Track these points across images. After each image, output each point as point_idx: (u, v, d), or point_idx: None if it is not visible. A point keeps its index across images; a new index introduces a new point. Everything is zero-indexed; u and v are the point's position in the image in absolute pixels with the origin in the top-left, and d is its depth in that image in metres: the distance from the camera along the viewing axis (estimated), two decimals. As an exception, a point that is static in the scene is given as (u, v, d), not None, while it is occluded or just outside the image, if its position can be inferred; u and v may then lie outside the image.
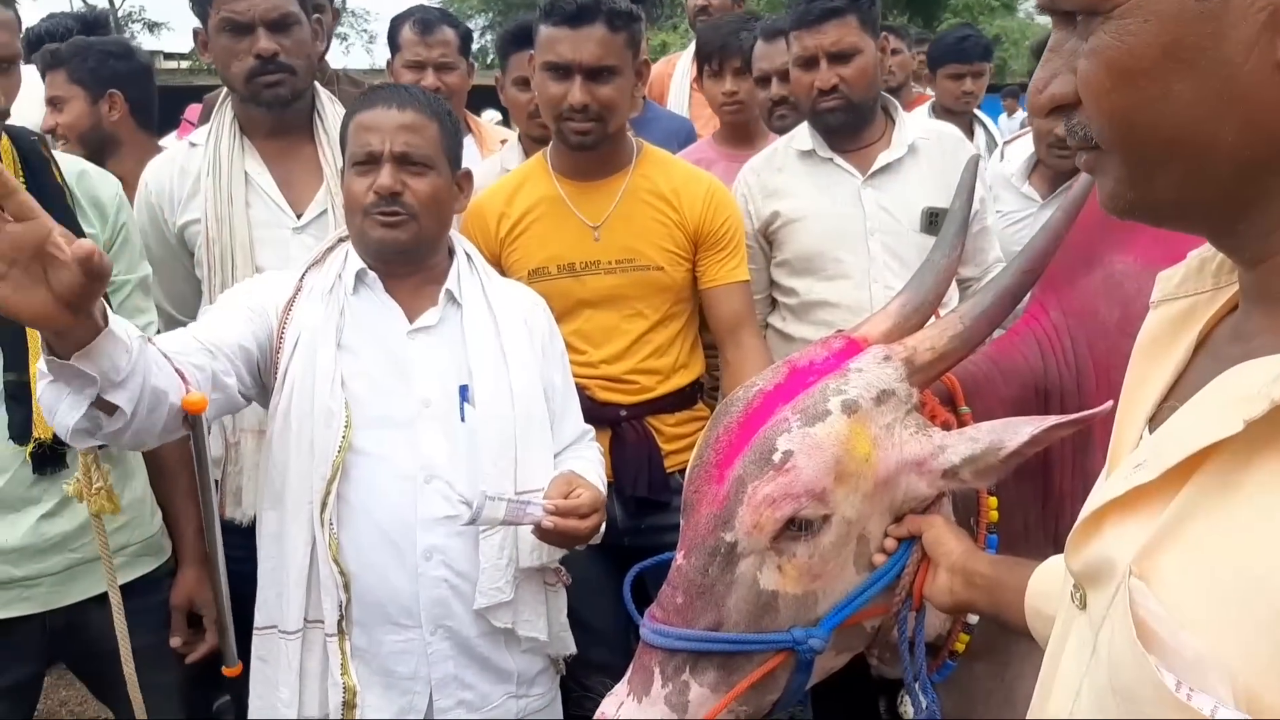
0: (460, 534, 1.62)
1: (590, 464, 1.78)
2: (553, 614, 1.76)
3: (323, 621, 1.60)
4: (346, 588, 1.59)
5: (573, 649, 1.82)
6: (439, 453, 1.63)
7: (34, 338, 1.67)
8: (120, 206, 1.88)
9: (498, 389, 1.67)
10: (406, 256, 1.69)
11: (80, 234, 1.78)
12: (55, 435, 1.65)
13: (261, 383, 1.66)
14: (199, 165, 2.05)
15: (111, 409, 1.27)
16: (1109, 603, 0.61)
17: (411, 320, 1.69)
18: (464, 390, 1.66)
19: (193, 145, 2.11)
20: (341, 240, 1.76)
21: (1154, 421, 0.69)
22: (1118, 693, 0.59)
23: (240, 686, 1.73)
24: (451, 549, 1.62)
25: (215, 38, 1.99)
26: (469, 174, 1.81)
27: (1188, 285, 0.72)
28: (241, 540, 1.81)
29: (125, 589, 1.77)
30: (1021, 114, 6.81)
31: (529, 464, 1.67)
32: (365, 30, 21.04)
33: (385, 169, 1.62)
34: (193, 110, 4.00)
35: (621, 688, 1.26)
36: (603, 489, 1.71)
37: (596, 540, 1.68)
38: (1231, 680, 0.52)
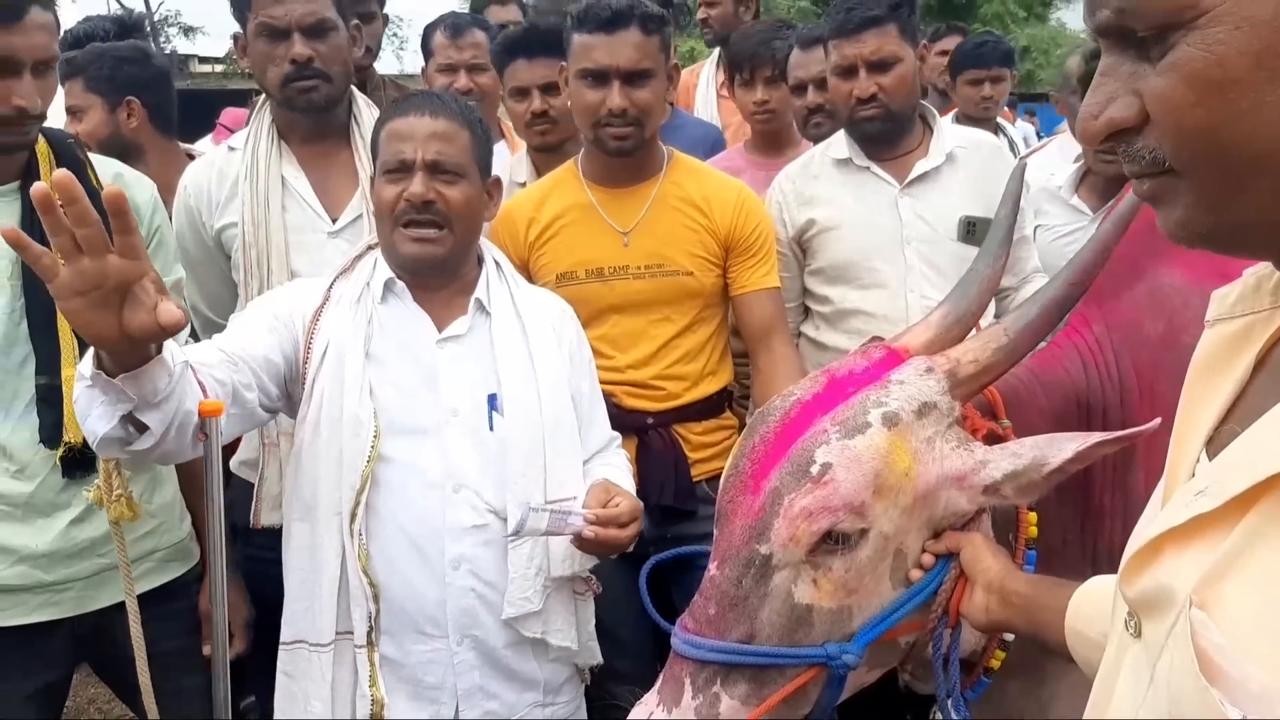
0: (488, 543, 1.61)
1: (621, 471, 1.77)
2: (581, 623, 1.74)
3: (352, 633, 1.59)
4: (376, 598, 1.58)
5: (599, 659, 1.80)
6: (467, 462, 1.63)
7: (67, 342, 1.69)
8: (155, 210, 1.90)
9: (526, 398, 1.66)
10: (439, 269, 1.69)
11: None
12: (85, 440, 1.66)
13: (287, 394, 1.65)
14: (237, 169, 2.06)
15: (142, 427, 1.30)
16: (1168, 632, 0.59)
17: (440, 329, 1.68)
18: (492, 399, 1.66)
19: (231, 149, 2.12)
20: (371, 248, 1.76)
21: (1212, 446, 0.66)
22: None
23: (265, 687, 1.72)
24: (480, 558, 1.61)
25: (253, 42, 2.00)
26: (499, 181, 1.81)
27: (1244, 304, 0.69)
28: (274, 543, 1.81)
29: (154, 594, 1.79)
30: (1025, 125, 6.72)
31: (558, 472, 1.66)
32: (396, 35, 21.16)
33: (417, 177, 1.62)
34: (228, 114, 4.04)
35: (651, 697, 1.24)
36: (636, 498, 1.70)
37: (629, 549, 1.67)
38: None
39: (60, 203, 1.12)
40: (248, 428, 1.69)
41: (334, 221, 2.05)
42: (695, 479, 2.08)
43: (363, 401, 1.59)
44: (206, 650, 1.87)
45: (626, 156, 2.05)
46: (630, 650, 2.03)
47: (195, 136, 2.93)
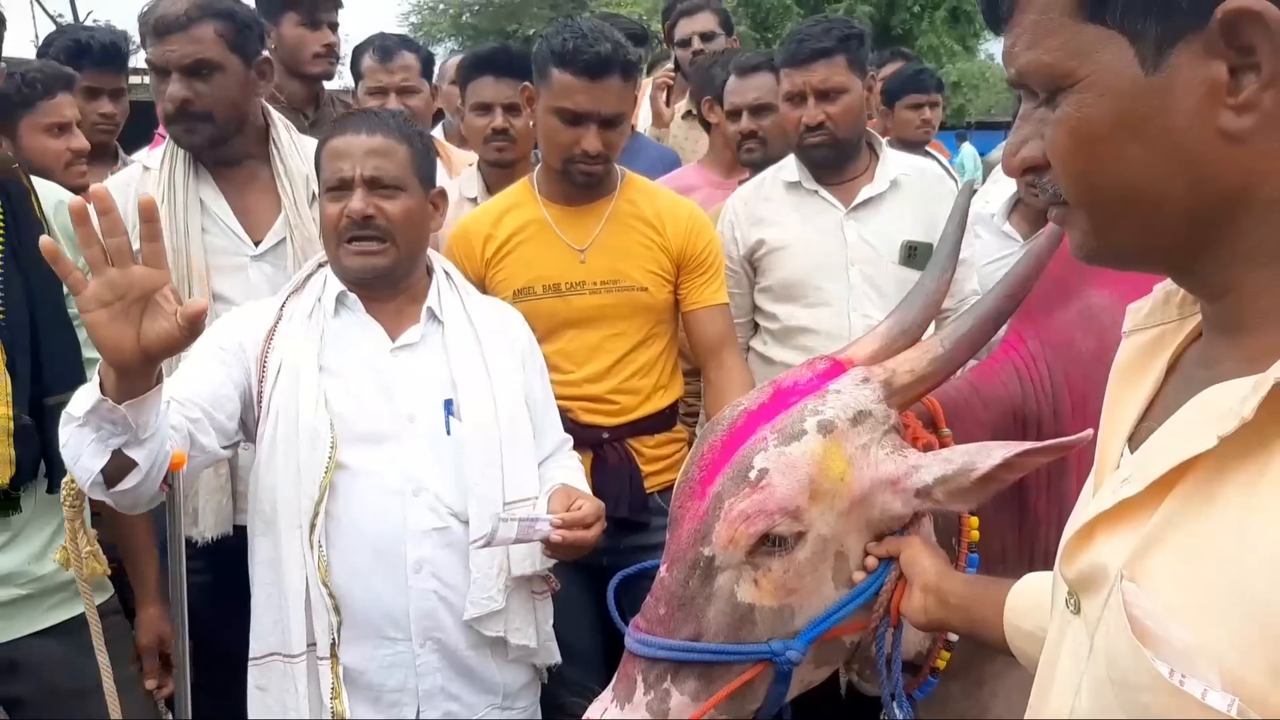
0: (449, 546, 1.63)
1: (577, 474, 1.82)
2: (540, 622, 1.77)
3: (316, 645, 1.60)
4: (337, 609, 1.59)
5: (558, 658, 1.82)
6: (426, 466, 1.65)
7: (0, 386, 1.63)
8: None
9: (482, 402, 1.69)
10: (386, 280, 1.71)
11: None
12: (11, 479, 1.65)
13: (243, 423, 1.66)
14: (151, 191, 2.00)
15: (129, 465, 1.31)
16: (1103, 604, 0.66)
17: (394, 338, 1.71)
18: (448, 404, 1.69)
19: (146, 169, 2.08)
20: (321, 265, 1.78)
21: (1133, 441, 0.73)
22: (1115, 684, 0.63)
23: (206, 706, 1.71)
24: (440, 561, 1.63)
25: (150, 80, 1.98)
26: (443, 192, 1.83)
27: (1155, 316, 0.77)
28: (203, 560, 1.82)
29: (67, 624, 1.74)
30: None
31: (515, 474, 1.70)
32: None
33: (357, 193, 1.65)
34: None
35: (606, 694, 1.28)
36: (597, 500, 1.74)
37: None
38: (1219, 668, 0.57)
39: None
40: (205, 467, 1.70)
41: (256, 245, 2.03)
42: (649, 491, 2.12)
43: (319, 413, 1.61)
44: (149, 684, 1.85)
45: (592, 189, 2.11)
46: (583, 659, 2.04)
47: (133, 147, 2.91)
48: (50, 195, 1.81)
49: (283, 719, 1.61)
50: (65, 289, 1.68)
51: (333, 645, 1.59)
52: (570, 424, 2.08)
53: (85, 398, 1.27)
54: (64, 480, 1.50)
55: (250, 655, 1.66)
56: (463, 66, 2.65)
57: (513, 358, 1.78)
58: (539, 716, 1.82)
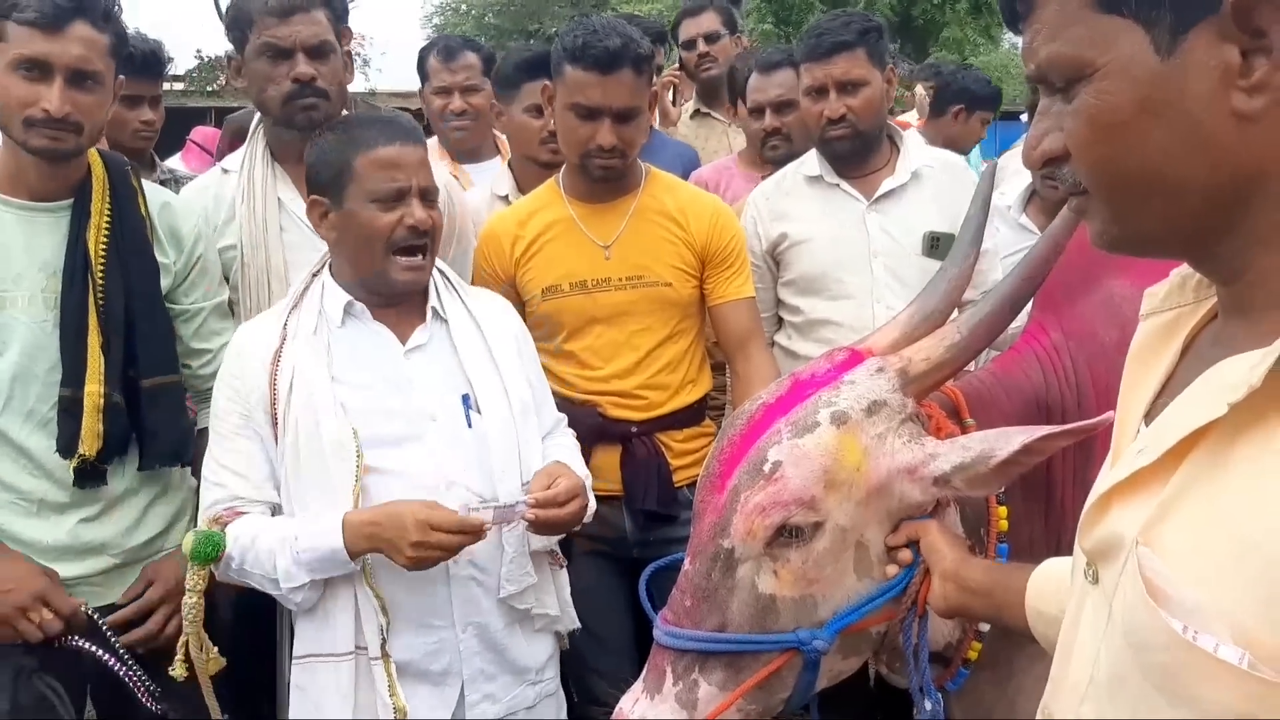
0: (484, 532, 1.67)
1: (571, 451, 1.88)
2: (559, 590, 1.84)
3: (366, 648, 1.65)
4: (385, 610, 1.64)
5: (577, 623, 1.89)
6: (453, 460, 1.70)
7: (94, 359, 1.77)
8: (199, 238, 1.99)
9: (496, 393, 1.75)
10: (420, 289, 1.77)
11: (155, 263, 1.89)
12: (99, 453, 1.77)
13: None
14: (232, 192, 2.11)
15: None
16: (1120, 570, 0.69)
17: (403, 341, 1.75)
18: (466, 399, 1.74)
19: (225, 171, 2.17)
20: (314, 275, 1.80)
21: (1149, 418, 0.76)
22: (1132, 645, 0.67)
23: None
24: (477, 550, 1.68)
25: (253, 62, 2.04)
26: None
27: (1172, 299, 0.79)
28: None
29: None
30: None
31: (529, 458, 1.77)
32: (359, 54, 21.07)
33: (415, 204, 1.69)
34: (198, 132, 4.07)
35: (637, 686, 1.30)
36: (584, 473, 1.80)
37: (585, 524, 1.78)
38: (1230, 626, 0.60)
39: None
40: None
41: None
42: (677, 484, 2.15)
43: (340, 424, 1.65)
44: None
45: (611, 183, 2.13)
46: (615, 650, 2.09)
47: (161, 155, 2.99)
48: (156, 197, 1.95)
49: (318, 719, 1.66)
50: (164, 281, 1.89)
51: (383, 645, 1.64)
52: (599, 418, 2.12)
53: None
54: (188, 603, 1.63)
55: (293, 655, 1.73)
56: (513, 70, 2.64)
57: (512, 345, 1.83)
58: (560, 689, 1.88)
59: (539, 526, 1.68)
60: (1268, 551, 0.58)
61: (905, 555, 1.28)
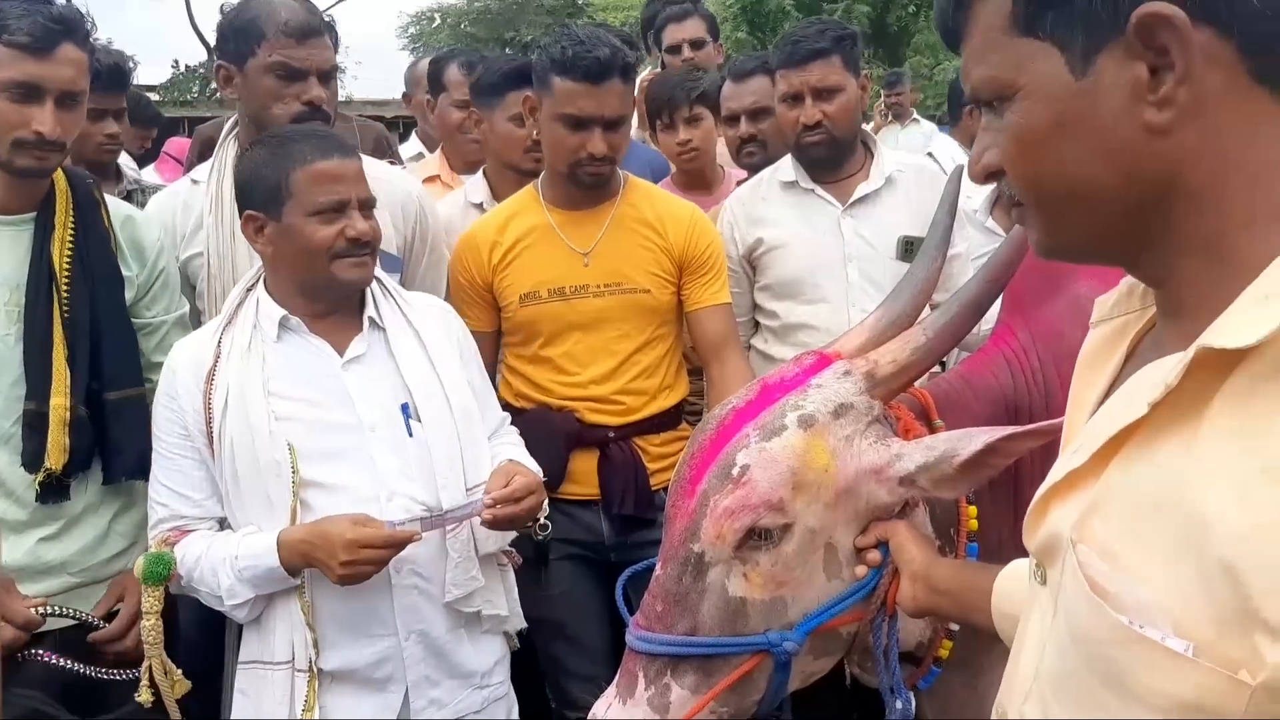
0: (426, 541, 1.69)
1: (519, 448, 1.90)
2: (507, 590, 1.85)
3: (293, 660, 1.67)
4: (311, 626, 1.66)
5: (524, 624, 1.89)
6: (394, 471, 1.70)
7: (60, 373, 1.76)
8: (161, 251, 1.98)
9: (436, 401, 1.75)
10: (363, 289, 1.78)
11: (120, 275, 1.88)
12: (64, 467, 1.75)
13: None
14: (201, 202, 2.10)
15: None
16: (1062, 570, 0.71)
17: (341, 353, 1.74)
18: (405, 408, 1.74)
19: (195, 182, 2.17)
20: (248, 289, 1.79)
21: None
22: (1077, 641, 0.68)
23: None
24: (420, 557, 1.70)
25: (258, 78, 2.02)
26: None
27: (1120, 307, 0.82)
28: None
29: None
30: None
31: (475, 462, 1.77)
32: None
33: (356, 215, 1.70)
34: (173, 144, 4.06)
35: (610, 691, 1.31)
36: (536, 470, 1.82)
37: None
38: (1169, 620, 0.61)
39: None
40: None
41: None
42: (654, 488, 2.16)
43: (276, 442, 1.65)
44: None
45: (597, 190, 2.14)
46: (591, 653, 2.09)
47: (140, 165, 2.98)
48: (118, 210, 1.94)
49: None
50: (127, 294, 1.88)
51: (311, 660, 1.65)
52: (576, 424, 2.12)
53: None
54: (146, 625, 1.66)
55: (239, 660, 1.74)
56: (499, 79, 2.64)
57: (452, 349, 1.83)
58: (511, 690, 1.88)
59: (496, 524, 1.69)
60: (1198, 546, 0.60)
61: (874, 556, 1.29)
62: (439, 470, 1.72)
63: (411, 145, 3.74)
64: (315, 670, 1.65)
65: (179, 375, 1.73)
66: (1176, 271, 0.70)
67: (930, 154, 3.44)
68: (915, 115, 6.58)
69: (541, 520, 1.87)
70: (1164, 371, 0.64)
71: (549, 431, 2.12)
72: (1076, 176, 0.69)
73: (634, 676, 1.29)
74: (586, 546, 2.16)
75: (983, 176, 0.77)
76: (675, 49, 3.49)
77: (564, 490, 2.13)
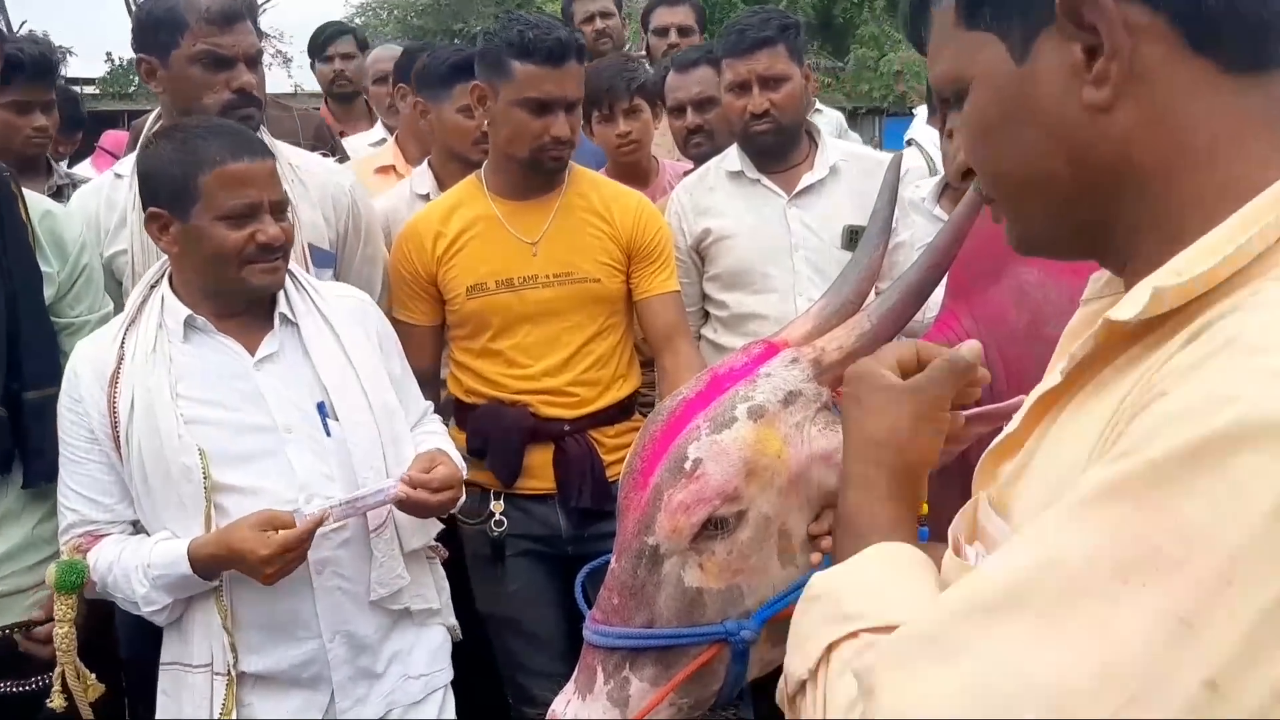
0: (346, 542, 1.67)
1: (444, 438, 1.88)
2: (438, 582, 1.84)
3: (212, 663, 1.65)
4: (229, 630, 1.63)
5: (455, 621, 1.87)
6: (312, 472, 1.66)
7: None
8: (83, 247, 1.90)
9: (354, 397, 1.71)
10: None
11: (39, 271, 1.80)
12: None
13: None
14: (125, 197, 2.02)
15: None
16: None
17: (252, 352, 1.69)
18: (321, 407, 1.69)
19: (118, 176, 2.09)
20: (152, 287, 1.73)
21: None
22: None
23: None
24: (342, 558, 1.68)
25: (184, 68, 1.95)
26: None
27: (1110, 286, 0.82)
28: None
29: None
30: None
31: (397, 457, 1.74)
32: (281, 52, 20.32)
33: (267, 219, 1.63)
34: (109, 137, 3.94)
35: (569, 687, 1.30)
36: (461, 465, 1.79)
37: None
38: None
39: None
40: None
41: None
42: (610, 480, 2.16)
43: (185, 447, 1.60)
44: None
45: (551, 176, 2.13)
46: (549, 648, 2.09)
47: (75, 160, 2.88)
48: (37, 205, 1.87)
49: None
50: (48, 291, 1.81)
51: (229, 664, 1.63)
52: (531, 417, 2.11)
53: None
54: (59, 633, 1.62)
55: (160, 661, 1.71)
56: (445, 70, 2.59)
57: (370, 343, 1.79)
58: (449, 679, 1.85)
59: (407, 506, 1.67)
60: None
61: (828, 543, 1.30)
62: (359, 469, 1.68)
63: (376, 131, 3.61)
64: (234, 674, 1.62)
65: (82, 378, 1.66)
66: (1134, 256, 0.70)
67: (912, 140, 3.45)
68: (818, 105, 6.60)
69: (497, 516, 1.85)
70: (1080, 342, 0.66)
71: (504, 427, 2.11)
72: (1025, 161, 0.70)
73: (593, 671, 1.29)
74: (543, 541, 2.16)
75: (959, 175, 0.79)
76: (663, 31, 3.47)
77: (520, 485, 2.12)
